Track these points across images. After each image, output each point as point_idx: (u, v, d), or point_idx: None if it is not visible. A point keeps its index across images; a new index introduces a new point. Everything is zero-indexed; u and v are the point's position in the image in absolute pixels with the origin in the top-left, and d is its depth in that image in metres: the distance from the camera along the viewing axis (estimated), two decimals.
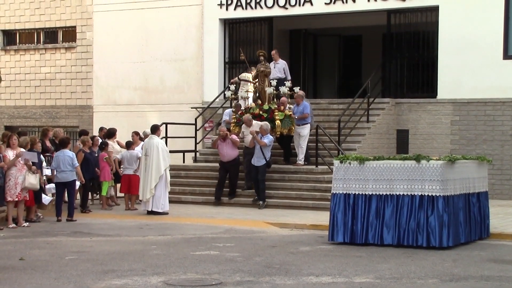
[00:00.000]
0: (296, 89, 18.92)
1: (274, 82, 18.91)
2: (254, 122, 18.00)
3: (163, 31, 23.86)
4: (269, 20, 22.98)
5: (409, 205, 12.18)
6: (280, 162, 18.89)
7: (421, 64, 21.10)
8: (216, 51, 22.97)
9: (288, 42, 25.21)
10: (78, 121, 25.74)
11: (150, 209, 16.62)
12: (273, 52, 20.61)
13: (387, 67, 21.69)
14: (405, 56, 21.30)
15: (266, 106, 18.66)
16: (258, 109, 18.65)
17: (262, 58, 19.12)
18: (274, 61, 20.30)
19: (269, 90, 18.71)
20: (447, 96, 20.33)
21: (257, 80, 19.12)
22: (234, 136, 18.16)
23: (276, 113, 18.43)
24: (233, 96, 19.70)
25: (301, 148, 18.36)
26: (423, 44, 21.05)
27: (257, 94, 19.09)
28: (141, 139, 18.38)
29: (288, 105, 18.89)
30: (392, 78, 21.59)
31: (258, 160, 17.47)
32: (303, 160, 18.41)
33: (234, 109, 19.24)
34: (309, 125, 18.43)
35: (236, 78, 21.49)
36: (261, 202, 17.37)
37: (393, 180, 12.31)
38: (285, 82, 19.22)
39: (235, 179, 18.07)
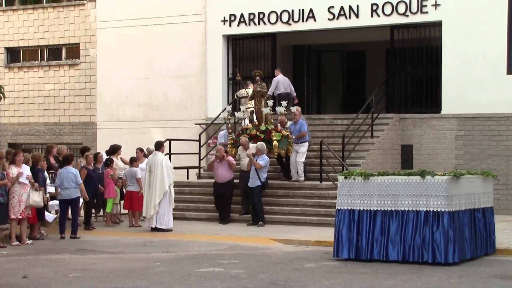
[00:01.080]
0: (293, 108, 18.88)
1: (270, 102, 18.81)
2: (250, 145, 17.99)
3: (166, 47, 23.93)
4: (272, 36, 23.05)
5: (414, 220, 12.15)
6: (282, 178, 18.89)
7: (425, 79, 21.12)
8: (219, 67, 23.02)
9: (292, 58, 25.25)
10: (82, 138, 25.77)
11: (154, 226, 16.59)
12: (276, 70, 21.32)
13: (391, 82, 21.71)
14: (408, 71, 21.33)
15: (263, 127, 18.60)
16: (255, 129, 18.60)
17: (258, 78, 19.07)
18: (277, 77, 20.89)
19: (266, 110, 18.59)
20: (451, 111, 20.33)
21: (253, 100, 19.07)
22: (231, 158, 18.11)
23: (273, 134, 18.34)
24: (229, 117, 19.40)
25: (299, 163, 18.30)
26: (426, 59, 21.08)
27: (254, 115, 19.04)
28: (145, 156, 18.38)
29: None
30: (396, 93, 21.61)
31: (252, 182, 17.43)
32: (303, 175, 18.39)
33: (230, 130, 18.98)
34: (307, 143, 18.45)
35: (235, 96, 21.62)
36: (260, 223, 17.20)
37: (398, 196, 12.29)
38: (283, 102, 18.93)
39: (229, 203, 17.93)
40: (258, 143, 17.76)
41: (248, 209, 17.88)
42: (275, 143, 18.24)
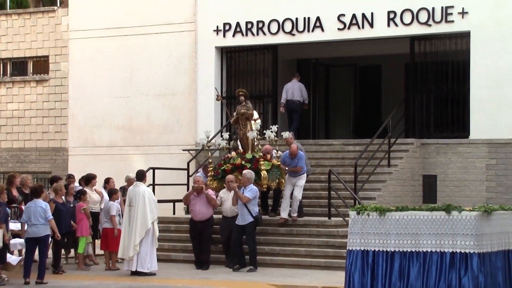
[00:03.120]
0: (285, 134, 18.54)
1: (257, 125, 18.61)
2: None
3: (149, 61, 24.03)
4: (273, 48, 23.17)
5: (438, 264, 12.15)
6: (270, 214, 18.71)
7: (450, 99, 21.19)
8: (211, 84, 23.07)
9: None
10: (51, 166, 25.79)
11: (134, 269, 16.55)
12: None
13: (411, 103, 21.78)
14: (431, 89, 21.41)
15: (249, 155, 18.23)
16: (239, 158, 18.23)
17: (242, 98, 18.79)
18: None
19: (252, 134, 18.31)
20: (482, 136, 20.39)
21: (237, 124, 18.76)
22: (211, 192, 17.72)
23: (262, 163, 18.00)
24: (208, 144, 18.90)
25: (296, 199, 18.13)
26: (452, 75, 21.17)
27: (238, 141, 18.83)
28: (123, 189, 18.45)
29: (274, 153, 18.54)
30: (417, 115, 21.67)
31: (243, 218, 17.01)
32: (296, 212, 18.21)
33: (209, 167, 18.52)
34: (305, 175, 18.35)
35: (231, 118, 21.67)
36: (252, 267, 16.88)
37: (420, 235, 12.30)
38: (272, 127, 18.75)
39: (208, 244, 17.60)
40: (245, 171, 17.47)
41: (239, 261, 17.17)
42: (263, 173, 17.88)
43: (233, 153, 18.66)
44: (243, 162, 18.11)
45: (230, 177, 17.55)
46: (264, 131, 18.67)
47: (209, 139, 19.00)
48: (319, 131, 25.18)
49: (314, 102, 25.03)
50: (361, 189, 19.03)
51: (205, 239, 17.58)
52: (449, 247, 12.12)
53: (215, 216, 17.96)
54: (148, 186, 18.39)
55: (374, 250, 12.55)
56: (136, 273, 16.50)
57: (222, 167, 18.35)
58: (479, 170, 20.36)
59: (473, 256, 11.98)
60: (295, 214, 18.22)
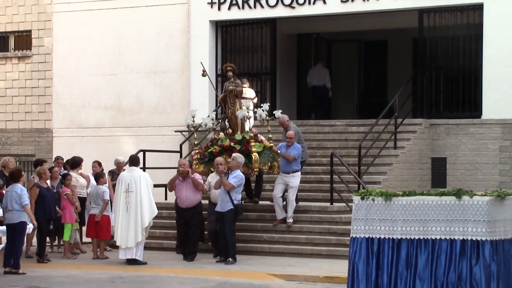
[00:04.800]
0: (278, 113, 18.03)
1: (248, 102, 18.20)
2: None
3: (140, 36, 23.99)
4: (271, 22, 23.13)
5: (448, 252, 12.16)
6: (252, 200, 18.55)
7: (461, 76, 21.20)
8: (206, 61, 23.00)
9: (296, 49, 25.34)
10: (34, 149, 25.78)
11: (134, 257, 16.60)
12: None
13: (419, 80, 21.78)
14: (441, 66, 21.42)
15: (238, 136, 17.81)
16: (228, 140, 17.79)
17: (230, 74, 18.34)
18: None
19: (241, 113, 17.72)
20: (495, 115, 20.40)
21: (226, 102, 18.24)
22: (197, 176, 17.39)
23: (252, 144, 17.60)
24: (193, 125, 18.24)
25: (290, 202, 17.69)
26: (463, 51, 21.17)
27: (226, 121, 18.28)
28: (112, 173, 18.50)
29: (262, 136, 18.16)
30: (426, 93, 21.68)
31: (222, 205, 16.62)
32: (292, 217, 17.82)
33: (194, 149, 18.17)
34: (299, 173, 17.85)
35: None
36: (230, 259, 16.52)
37: (428, 221, 12.31)
38: (262, 105, 18.21)
39: (196, 233, 17.26)
40: (236, 154, 16.98)
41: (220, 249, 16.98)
42: (255, 156, 17.47)
43: (221, 134, 18.20)
44: (232, 144, 17.67)
45: (219, 159, 17.01)
46: (255, 109, 18.44)
47: (205, 119, 18.64)
48: (321, 111, 25.14)
49: None
50: (366, 173, 19.06)
51: (192, 228, 17.17)
52: (459, 234, 12.13)
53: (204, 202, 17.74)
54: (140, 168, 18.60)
55: (380, 237, 12.56)
56: (132, 261, 16.55)
57: (209, 149, 17.88)
58: (492, 152, 20.39)
59: (485, 244, 11.99)
60: (291, 220, 17.84)
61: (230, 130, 18.13)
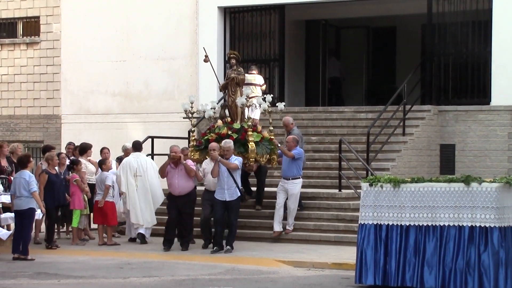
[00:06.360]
0: (281, 105, 17.47)
1: (248, 90, 17.54)
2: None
3: (148, 22, 23.95)
4: (280, 8, 23.08)
5: (456, 238, 12.17)
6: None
7: (470, 62, 21.15)
8: (214, 47, 23.01)
9: (304, 36, 25.29)
10: (43, 135, 25.81)
11: (141, 232, 17.54)
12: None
13: (428, 67, 21.73)
14: (450, 52, 21.36)
15: (237, 125, 17.28)
16: (226, 128, 17.27)
17: (233, 61, 17.82)
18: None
19: (241, 100, 17.12)
20: (504, 102, 20.35)
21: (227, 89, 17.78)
22: (190, 162, 16.97)
23: (250, 133, 17.02)
24: (191, 111, 17.60)
25: (290, 211, 17.36)
26: (473, 37, 21.10)
27: (226, 110, 17.76)
28: (119, 159, 18.56)
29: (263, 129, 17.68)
30: (434, 80, 21.63)
31: (230, 192, 16.14)
32: (292, 225, 17.50)
33: (191, 136, 17.76)
34: (300, 179, 17.44)
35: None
36: (229, 247, 16.23)
37: (436, 208, 12.31)
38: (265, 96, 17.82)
39: (190, 223, 16.84)
40: (225, 140, 16.44)
41: (211, 239, 16.72)
42: (251, 145, 16.93)
43: (219, 122, 17.60)
44: (229, 132, 17.10)
45: (213, 144, 16.48)
46: (264, 96, 18.09)
47: (203, 106, 18.04)
48: (329, 98, 25.15)
49: (323, 66, 25.00)
50: (374, 160, 19.04)
51: (185, 217, 16.74)
52: (468, 221, 12.13)
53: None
54: (146, 156, 18.61)
55: (388, 224, 12.58)
56: (141, 236, 17.53)
57: (206, 137, 17.36)
58: (501, 139, 20.35)
59: (494, 231, 11.99)
60: (290, 228, 17.45)
61: (229, 119, 17.63)
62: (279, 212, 17.44)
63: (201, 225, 17.12)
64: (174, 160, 16.67)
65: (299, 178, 17.43)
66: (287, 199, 17.47)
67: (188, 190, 16.80)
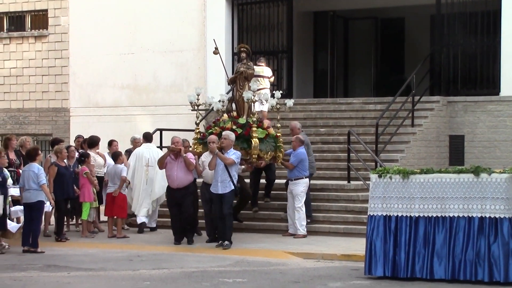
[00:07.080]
0: (289, 102, 17.40)
1: (255, 85, 17.02)
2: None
3: (156, 15, 23.97)
4: (288, 0, 23.04)
5: (466, 229, 12.16)
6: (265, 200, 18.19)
7: (479, 53, 21.09)
8: (222, 39, 22.99)
9: (312, 27, 25.24)
10: (52, 128, 25.86)
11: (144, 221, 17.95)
12: None
13: (437, 58, 21.70)
14: (459, 43, 21.31)
15: (242, 120, 16.91)
16: (231, 122, 16.91)
17: (244, 55, 17.47)
18: None
19: (247, 95, 16.65)
20: None
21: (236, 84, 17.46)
22: (190, 155, 16.59)
23: (254, 129, 16.63)
24: (197, 103, 17.37)
25: (296, 211, 16.90)
26: (482, 28, 21.04)
27: (232, 104, 17.41)
28: (129, 152, 18.66)
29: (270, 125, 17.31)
30: (443, 71, 21.60)
31: (223, 185, 15.79)
32: (304, 228, 16.93)
33: (195, 129, 17.47)
34: (304, 180, 17.02)
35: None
36: (226, 243, 15.82)
37: (446, 199, 12.30)
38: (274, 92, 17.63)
39: (190, 216, 16.52)
40: (225, 132, 16.14)
41: (214, 235, 16.52)
42: (255, 141, 16.54)
43: (225, 116, 17.20)
44: (234, 127, 16.71)
45: (212, 137, 16.16)
46: (272, 87, 17.92)
47: (209, 98, 18.06)
48: (338, 89, 25.11)
49: (332, 58, 24.96)
50: (383, 151, 19.02)
51: (185, 210, 16.43)
52: (477, 212, 12.12)
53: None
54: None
55: (397, 215, 12.57)
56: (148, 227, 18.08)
57: (210, 130, 17.05)
58: (510, 130, 20.32)
59: (504, 221, 11.98)
60: (301, 233, 16.88)
61: (235, 113, 17.27)
62: (289, 213, 17.25)
63: (205, 219, 17.06)
64: (174, 152, 16.46)
65: (302, 178, 17.09)
66: None
67: (186, 183, 16.48)
